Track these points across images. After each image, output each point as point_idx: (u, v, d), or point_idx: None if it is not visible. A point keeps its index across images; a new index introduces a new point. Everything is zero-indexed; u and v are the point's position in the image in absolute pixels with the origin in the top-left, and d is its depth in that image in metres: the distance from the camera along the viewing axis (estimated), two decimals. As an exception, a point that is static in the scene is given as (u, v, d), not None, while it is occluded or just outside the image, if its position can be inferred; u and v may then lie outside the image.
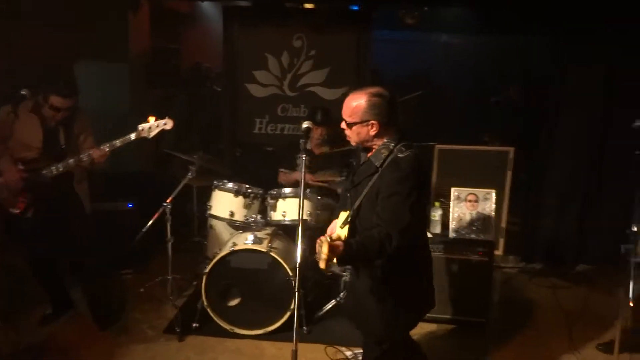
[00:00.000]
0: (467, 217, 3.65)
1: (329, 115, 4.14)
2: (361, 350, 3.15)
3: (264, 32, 4.86)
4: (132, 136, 3.18)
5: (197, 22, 6.55)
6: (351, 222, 2.15)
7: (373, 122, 2.07)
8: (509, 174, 4.31)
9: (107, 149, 3.18)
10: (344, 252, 1.91)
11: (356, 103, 2.09)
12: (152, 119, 3.21)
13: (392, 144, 2.08)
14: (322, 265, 1.88)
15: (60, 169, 3.17)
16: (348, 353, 3.23)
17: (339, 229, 2.19)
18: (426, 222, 2.25)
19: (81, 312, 3.59)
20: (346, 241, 2.00)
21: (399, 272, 2.13)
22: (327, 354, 3.19)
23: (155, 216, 3.47)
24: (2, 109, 3.18)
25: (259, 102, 4.95)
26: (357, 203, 2.12)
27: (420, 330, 3.61)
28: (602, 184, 4.56)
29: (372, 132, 2.09)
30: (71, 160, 3.18)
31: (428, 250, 2.34)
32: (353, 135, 2.16)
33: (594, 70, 4.45)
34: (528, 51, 5.79)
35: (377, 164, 2.08)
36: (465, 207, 3.67)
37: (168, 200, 3.47)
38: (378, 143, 2.12)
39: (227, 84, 5.05)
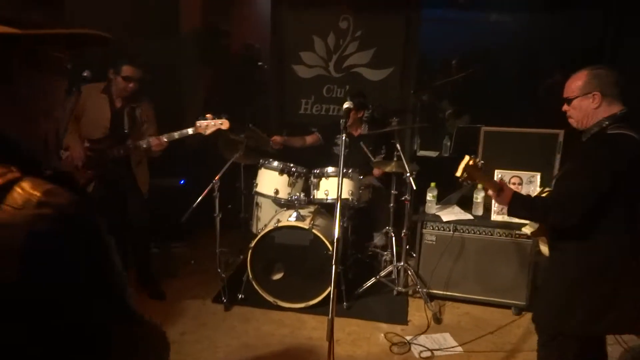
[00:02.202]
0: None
1: (365, 98, 4.25)
2: (420, 337, 3.26)
3: (310, 14, 4.89)
4: (190, 131, 3.36)
5: (247, 3, 6.65)
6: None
7: (596, 93, 2.00)
8: (558, 157, 4.20)
9: (165, 140, 3.38)
10: (512, 193, 2.12)
11: (579, 77, 2.06)
12: (209, 117, 3.38)
13: (607, 122, 1.99)
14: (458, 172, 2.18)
15: (122, 152, 3.39)
16: (408, 337, 3.28)
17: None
18: (632, 223, 2.00)
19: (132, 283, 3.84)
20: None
21: (589, 262, 2.03)
22: (387, 338, 3.27)
23: (205, 193, 3.63)
24: (77, 91, 3.41)
25: (305, 83, 5.03)
26: (558, 175, 2.20)
27: (456, 310, 3.66)
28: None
29: (594, 105, 2.01)
30: (131, 145, 3.39)
31: (633, 270, 2.02)
32: (573, 114, 2.09)
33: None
34: (581, 27, 5.54)
35: (584, 138, 2.07)
36: (508, 189, 3.64)
37: (216, 178, 3.62)
38: (596, 120, 2.03)
39: (274, 65, 5.14)
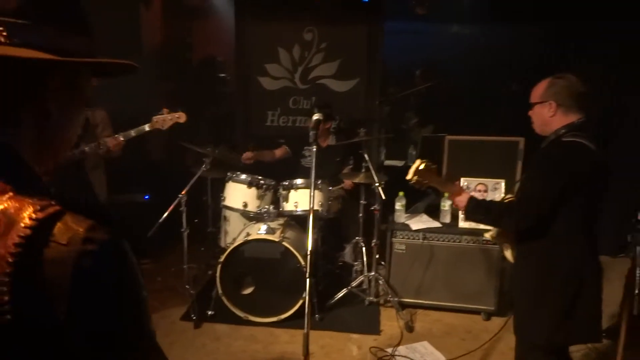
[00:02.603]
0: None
1: (332, 109, 4.27)
2: (399, 347, 3.24)
3: (275, 26, 4.91)
4: (147, 127, 3.28)
5: (210, 16, 6.61)
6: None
7: (551, 102, 2.04)
8: (519, 164, 4.32)
9: (122, 139, 3.29)
10: (468, 197, 2.14)
11: (541, 84, 2.11)
12: (165, 111, 3.31)
13: (564, 130, 2.03)
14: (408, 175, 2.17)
15: (76, 155, 3.27)
16: (389, 349, 3.26)
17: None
18: (588, 228, 2.05)
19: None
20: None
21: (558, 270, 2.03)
22: (371, 352, 3.23)
23: (171, 208, 3.55)
24: None
25: (270, 95, 5.02)
26: (521, 179, 2.24)
27: (427, 318, 3.69)
28: (611, 171, 4.57)
29: (550, 113, 2.05)
30: (87, 148, 3.26)
31: (594, 269, 2.06)
32: (534, 119, 2.14)
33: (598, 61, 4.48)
34: (536, 40, 5.76)
35: (542, 145, 2.11)
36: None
37: (183, 192, 3.55)
38: (554, 128, 2.07)
39: (239, 77, 5.12)
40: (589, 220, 2.05)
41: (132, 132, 3.30)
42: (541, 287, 2.07)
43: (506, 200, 2.30)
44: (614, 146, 4.53)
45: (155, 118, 3.30)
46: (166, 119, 3.31)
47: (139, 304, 0.84)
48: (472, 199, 2.16)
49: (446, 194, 3.79)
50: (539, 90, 2.12)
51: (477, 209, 2.15)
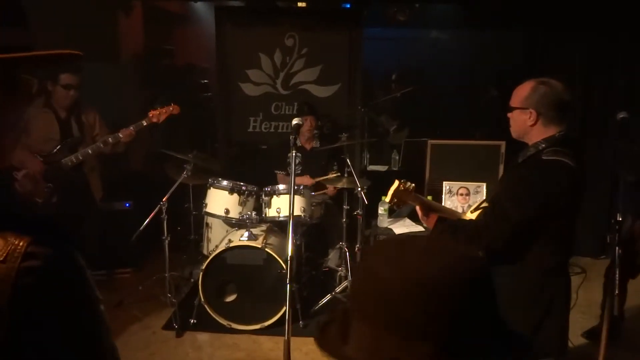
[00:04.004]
0: (460, 210, 3.71)
1: (314, 106, 4.33)
2: None
3: (256, 32, 4.89)
4: (144, 122, 3.42)
5: (190, 22, 6.58)
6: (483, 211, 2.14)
7: (532, 111, 1.91)
8: (501, 167, 4.36)
9: (133, 129, 3.40)
10: (434, 218, 2.06)
11: (524, 87, 1.97)
12: (158, 107, 3.49)
13: (544, 145, 1.91)
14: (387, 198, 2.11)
15: (80, 158, 3.32)
16: None
17: (469, 213, 2.23)
18: (565, 245, 2.04)
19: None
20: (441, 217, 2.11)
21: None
22: None
23: (152, 215, 3.51)
24: None
25: (252, 101, 4.99)
26: (490, 194, 2.15)
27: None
28: (588, 175, 4.64)
29: (530, 122, 1.93)
30: (89, 149, 3.36)
31: (563, 282, 2.05)
32: (512, 123, 2.02)
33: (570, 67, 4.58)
34: (515, 46, 5.84)
35: (520, 159, 2.01)
36: (457, 200, 3.74)
37: (164, 199, 3.51)
38: (533, 139, 1.96)
39: (220, 83, 5.08)
40: (565, 236, 2.01)
41: (134, 126, 3.43)
42: (510, 305, 2.03)
43: (482, 207, 2.27)
44: (592, 147, 4.62)
45: (151, 113, 3.43)
46: (161, 112, 3.45)
47: (93, 320, 0.77)
48: (439, 221, 2.06)
49: (429, 198, 3.80)
50: (521, 94, 1.98)
51: (446, 230, 2.05)
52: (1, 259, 0.66)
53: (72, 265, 0.74)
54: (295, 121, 2.46)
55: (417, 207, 2.13)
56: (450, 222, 2.11)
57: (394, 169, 5.35)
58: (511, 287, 2.02)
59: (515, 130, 2.04)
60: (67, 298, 0.72)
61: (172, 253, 3.65)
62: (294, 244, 2.22)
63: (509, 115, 2.04)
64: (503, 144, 4.36)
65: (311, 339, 3.37)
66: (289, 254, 2.13)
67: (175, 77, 6.31)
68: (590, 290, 3.80)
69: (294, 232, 3.70)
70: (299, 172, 4.22)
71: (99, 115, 3.63)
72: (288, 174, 4.25)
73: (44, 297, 0.69)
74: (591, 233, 4.71)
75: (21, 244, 0.68)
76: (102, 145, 3.38)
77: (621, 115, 2.60)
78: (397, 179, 2.10)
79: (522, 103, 1.96)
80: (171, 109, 3.47)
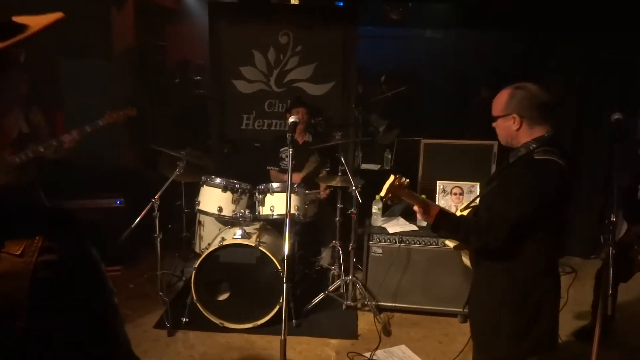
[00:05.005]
0: (453, 210, 3.71)
1: (305, 100, 4.36)
2: (377, 352, 3.21)
3: (250, 28, 4.86)
4: (100, 122, 3.28)
5: (183, 18, 6.53)
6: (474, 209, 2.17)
7: (515, 116, 1.96)
8: (493, 167, 4.38)
9: (76, 134, 3.23)
10: (436, 213, 2.05)
11: (501, 96, 2.02)
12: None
13: (534, 145, 1.96)
14: (382, 193, 2.08)
15: (30, 155, 3.16)
16: (367, 354, 3.24)
17: (458, 211, 2.25)
18: (555, 243, 2.07)
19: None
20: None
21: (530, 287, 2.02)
22: (349, 357, 3.20)
23: (144, 212, 3.47)
24: None
25: (246, 98, 4.96)
26: (483, 193, 2.16)
27: (405, 321, 3.69)
28: (581, 175, 4.67)
29: (515, 127, 1.97)
30: (41, 148, 3.17)
31: (553, 280, 2.07)
32: (499, 132, 2.07)
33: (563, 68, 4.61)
34: (508, 46, 5.85)
35: (512, 159, 2.04)
36: (451, 199, 3.74)
37: (156, 197, 3.47)
38: (522, 141, 2.00)
39: (213, 80, 5.04)
40: (555, 235, 2.04)
41: (87, 128, 3.27)
42: (502, 304, 2.05)
43: (472, 205, 2.28)
44: (582, 149, 4.66)
45: (107, 114, 3.31)
46: (119, 113, 3.35)
47: (109, 313, 0.78)
48: (440, 216, 2.08)
49: (423, 197, 3.80)
50: (499, 102, 2.03)
51: (446, 226, 2.08)
52: (18, 253, 0.66)
53: (87, 258, 0.75)
54: (292, 119, 2.44)
55: (415, 206, 2.11)
56: (451, 217, 2.12)
57: (386, 168, 5.35)
58: (504, 286, 2.04)
59: (503, 137, 2.08)
60: (84, 291, 0.73)
61: (163, 251, 3.61)
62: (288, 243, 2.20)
63: (494, 125, 2.09)
64: (495, 144, 4.37)
65: (304, 338, 3.38)
66: (286, 252, 2.12)
67: (168, 74, 6.27)
68: (580, 290, 3.85)
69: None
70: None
71: (42, 115, 3.45)
72: (281, 170, 4.25)
73: (61, 290, 0.70)
74: (581, 233, 4.75)
75: (37, 237, 0.68)
76: (42, 149, 3.18)
77: (616, 116, 2.61)
78: (393, 174, 2.09)
79: (503, 110, 2.01)
80: (127, 111, 3.41)
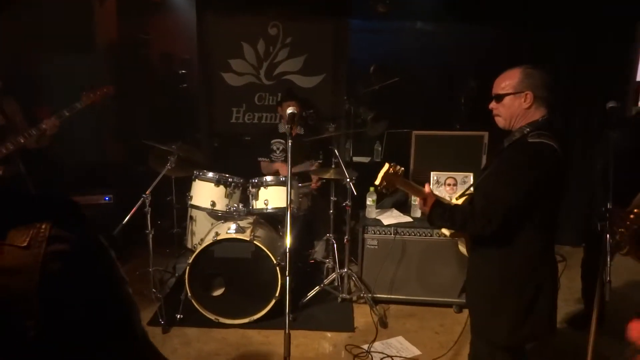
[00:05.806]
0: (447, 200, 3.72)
1: (295, 92, 4.34)
2: (374, 343, 3.20)
3: (238, 20, 4.79)
4: (78, 105, 3.21)
5: (168, 11, 6.40)
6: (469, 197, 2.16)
7: (528, 93, 1.97)
8: (484, 158, 4.40)
9: (57, 119, 3.17)
10: (432, 203, 2.06)
11: (513, 74, 2.02)
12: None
13: (528, 129, 1.97)
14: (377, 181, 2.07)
15: (11, 147, 3.10)
16: (365, 346, 3.23)
17: (454, 200, 2.24)
18: (550, 228, 2.06)
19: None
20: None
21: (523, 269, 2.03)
22: (347, 350, 3.20)
23: (135, 208, 3.40)
24: None
25: (235, 91, 4.90)
26: (478, 180, 2.15)
27: (401, 312, 3.69)
28: (575, 163, 4.72)
29: (526, 105, 1.97)
30: (20, 138, 3.10)
31: (550, 265, 2.08)
32: (503, 111, 2.04)
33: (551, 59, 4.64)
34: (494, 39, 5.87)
35: (506, 144, 2.05)
36: (445, 190, 3.74)
37: (147, 192, 3.41)
38: (524, 122, 2.01)
39: (202, 73, 4.97)
40: (550, 220, 2.04)
41: (66, 112, 3.20)
42: (501, 290, 2.06)
43: (466, 194, 2.28)
44: (579, 140, 4.71)
45: (84, 94, 3.23)
46: (96, 93, 3.26)
47: (124, 303, 0.74)
48: (435, 207, 2.09)
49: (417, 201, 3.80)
50: (511, 79, 2.01)
51: (442, 215, 2.08)
52: (25, 244, 0.61)
53: (98, 247, 0.71)
54: (290, 109, 2.41)
55: (410, 192, 2.11)
56: (447, 205, 2.12)
57: (377, 160, 5.34)
58: (502, 273, 2.05)
59: (507, 117, 2.05)
60: (97, 280, 0.69)
61: (156, 247, 3.55)
62: (284, 236, 2.18)
63: (494, 106, 2.07)
64: (486, 134, 4.40)
65: (300, 331, 3.35)
66: (288, 245, 2.09)
67: (152, 68, 6.16)
68: (571, 278, 3.89)
69: (282, 224, 3.68)
70: (283, 159, 4.17)
71: (18, 105, 3.37)
72: (272, 161, 4.20)
73: (73, 280, 0.65)
74: (571, 222, 4.80)
75: (44, 227, 0.63)
76: (22, 140, 3.10)
77: (610, 104, 2.63)
78: (387, 162, 2.08)
79: (515, 88, 2.00)
80: (105, 90, 3.31)
